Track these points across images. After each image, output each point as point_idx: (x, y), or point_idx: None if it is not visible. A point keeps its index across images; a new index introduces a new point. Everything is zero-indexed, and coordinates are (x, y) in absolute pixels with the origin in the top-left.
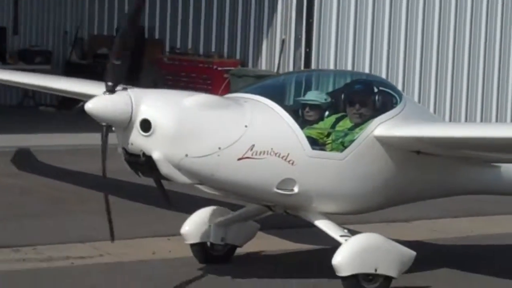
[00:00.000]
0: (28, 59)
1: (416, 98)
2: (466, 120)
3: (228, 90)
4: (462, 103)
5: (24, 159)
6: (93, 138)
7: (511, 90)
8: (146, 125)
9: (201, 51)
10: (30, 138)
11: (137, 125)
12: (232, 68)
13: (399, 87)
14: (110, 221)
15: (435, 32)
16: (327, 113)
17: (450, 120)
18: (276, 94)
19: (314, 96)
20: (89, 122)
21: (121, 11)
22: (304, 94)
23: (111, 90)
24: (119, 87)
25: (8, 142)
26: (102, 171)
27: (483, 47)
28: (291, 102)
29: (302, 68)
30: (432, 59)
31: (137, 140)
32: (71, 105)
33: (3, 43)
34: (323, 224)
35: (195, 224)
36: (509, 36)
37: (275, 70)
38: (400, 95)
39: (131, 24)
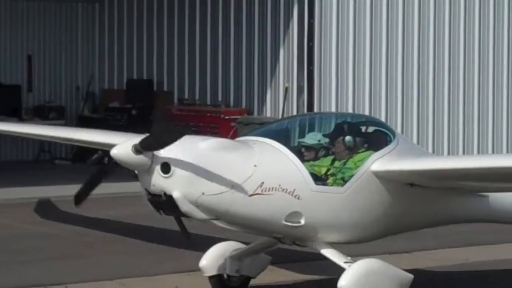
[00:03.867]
0: (43, 115)
1: (414, 137)
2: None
3: (235, 137)
4: (459, 140)
5: (46, 209)
6: (110, 188)
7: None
8: (166, 168)
9: (208, 101)
10: (49, 189)
11: (158, 168)
12: (239, 116)
13: (398, 127)
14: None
15: (430, 74)
16: (324, 152)
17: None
18: (281, 136)
19: (310, 137)
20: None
21: (130, 65)
22: (304, 136)
23: (138, 151)
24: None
25: (29, 194)
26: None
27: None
28: (295, 143)
29: None
30: (428, 99)
31: (158, 181)
32: (86, 158)
33: (18, 100)
34: (328, 253)
35: (212, 258)
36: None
37: (280, 117)
38: (394, 134)
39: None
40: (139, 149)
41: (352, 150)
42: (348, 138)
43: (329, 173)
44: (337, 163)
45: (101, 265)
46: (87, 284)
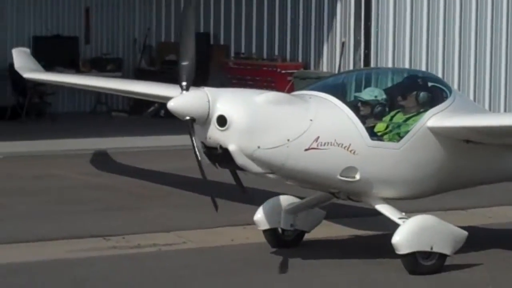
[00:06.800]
0: (100, 67)
1: (471, 94)
2: None
3: (291, 91)
4: None
5: (102, 160)
6: (165, 140)
7: None
8: (222, 121)
9: (264, 55)
10: (106, 141)
11: (214, 120)
12: (295, 70)
13: (455, 84)
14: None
15: (488, 31)
16: (380, 108)
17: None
18: (338, 90)
19: (366, 93)
20: (160, 126)
21: None
22: (361, 91)
23: (186, 89)
24: (192, 86)
25: (85, 145)
26: (196, 160)
27: None
28: (351, 98)
29: None
30: (486, 56)
31: (215, 134)
32: (142, 110)
33: (76, 52)
34: (383, 208)
35: (266, 212)
36: None
37: (336, 71)
38: (450, 89)
39: (188, 26)
40: (184, 86)
41: (423, 106)
42: (422, 94)
43: (386, 128)
44: (397, 118)
45: (158, 217)
46: (144, 236)
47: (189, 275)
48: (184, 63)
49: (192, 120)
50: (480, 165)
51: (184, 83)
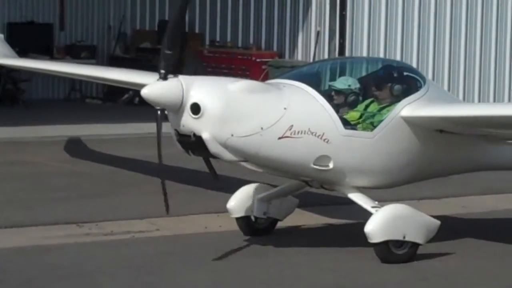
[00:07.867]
0: (74, 54)
1: (445, 84)
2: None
3: (266, 80)
4: (490, 89)
5: (75, 147)
6: (139, 128)
7: None
8: (196, 108)
9: (239, 43)
10: (79, 128)
11: (187, 108)
12: (270, 59)
13: (429, 74)
14: (165, 195)
15: (463, 22)
16: (354, 97)
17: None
18: (311, 79)
19: (340, 82)
20: (134, 113)
21: (162, 6)
22: (335, 80)
23: (164, 78)
24: (170, 75)
25: (59, 132)
26: (158, 154)
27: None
28: (325, 87)
29: None
30: (460, 46)
31: (188, 122)
32: (116, 97)
33: (51, 39)
34: (356, 197)
35: (239, 200)
36: None
37: (311, 60)
38: (424, 79)
39: (181, 15)
40: (162, 75)
41: (397, 98)
42: (397, 86)
43: (359, 117)
44: (371, 107)
45: (131, 204)
46: (117, 223)
47: (163, 262)
48: (167, 52)
49: (162, 111)
50: (453, 154)
51: (162, 71)
